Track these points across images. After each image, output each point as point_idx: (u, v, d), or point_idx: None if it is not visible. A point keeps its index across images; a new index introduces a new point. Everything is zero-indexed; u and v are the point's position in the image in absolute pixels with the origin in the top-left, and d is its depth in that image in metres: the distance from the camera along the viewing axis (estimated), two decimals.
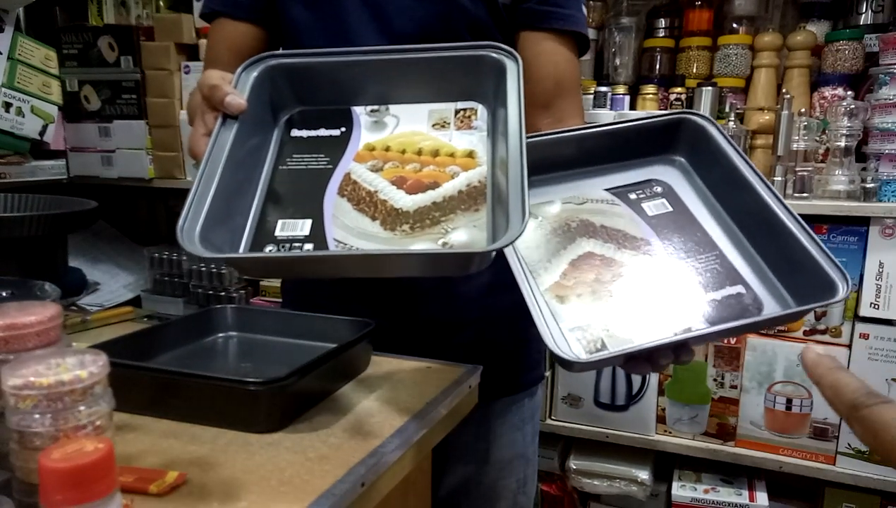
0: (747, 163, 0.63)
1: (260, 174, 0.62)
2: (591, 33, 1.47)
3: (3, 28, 1.48)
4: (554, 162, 0.69)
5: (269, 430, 0.59)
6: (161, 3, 1.67)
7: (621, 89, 1.48)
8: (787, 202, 0.60)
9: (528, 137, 0.66)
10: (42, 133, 1.58)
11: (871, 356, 1.22)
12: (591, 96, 1.43)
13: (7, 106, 1.48)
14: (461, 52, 0.65)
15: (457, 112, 0.65)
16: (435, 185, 0.59)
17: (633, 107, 1.48)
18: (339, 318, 0.77)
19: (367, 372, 0.74)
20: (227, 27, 0.85)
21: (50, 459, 0.35)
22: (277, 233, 0.57)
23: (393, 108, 0.66)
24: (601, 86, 1.46)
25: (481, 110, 0.65)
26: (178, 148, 1.57)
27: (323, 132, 0.65)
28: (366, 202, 0.59)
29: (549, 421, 1.46)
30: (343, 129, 0.65)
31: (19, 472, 0.40)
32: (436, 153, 0.62)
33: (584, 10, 0.83)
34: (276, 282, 1.55)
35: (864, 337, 1.22)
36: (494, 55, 0.64)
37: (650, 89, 1.47)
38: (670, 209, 0.65)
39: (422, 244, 0.55)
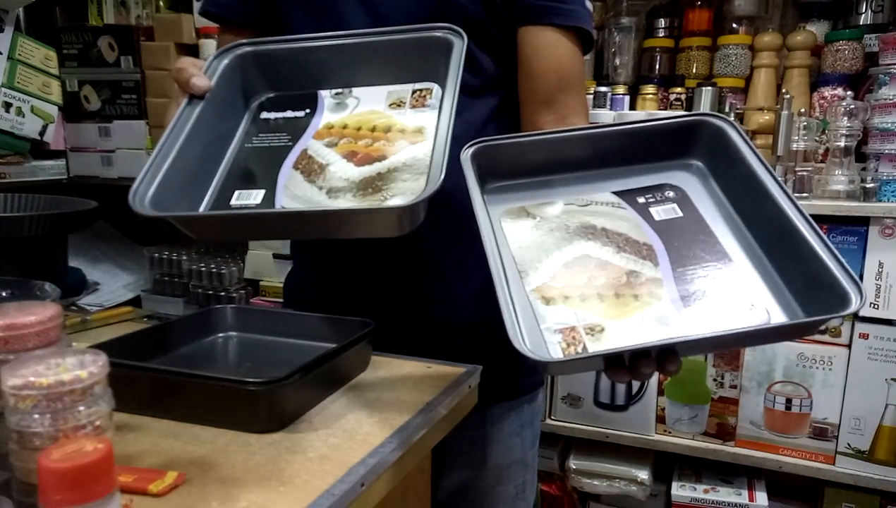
0: (766, 167, 0.59)
1: (227, 152, 0.67)
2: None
3: (3, 28, 1.48)
4: (563, 162, 0.66)
5: (268, 430, 0.59)
6: (161, 3, 1.67)
7: (621, 89, 1.48)
8: None
9: (535, 135, 0.67)
10: (42, 133, 1.58)
11: (871, 356, 1.22)
12: (591, 96, 1.43)
13: (7, 106, 1.48)
14: (412, 34, 0.69)
15: (413, 92, 0.69)
16: (382, 158, 0.63)
17: (632, 107, 1.48)
18: (339, 318, 0.77)
19: (366, 372, 0.74)
20: (227, 37, 0.85)
21: (49, 459, 0.35)
22: (233, 202, 0.62)
23: (356, 91, 0.70)
24: (601, 86, 1.46)
25: (436, 90, 0.68)
26: None
27: (289, 113, 0.70)
28: (316, 173, 0.63)
29: (548, 421, 1.46)
30: (307, 111, 0.69)
31: (19, 472, 0.40)
32: (388, 130, 0.66)
33: (590, 5, 0.81)
34: (277, 283, 1.55)
35: (864, 337, 1.22)
36: (440, 34, 0.67)
37: (650, 89, 1.47)
38: (680, 215, 0.62)
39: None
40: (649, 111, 1.42)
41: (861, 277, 1.21)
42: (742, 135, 0.63)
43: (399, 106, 0.68)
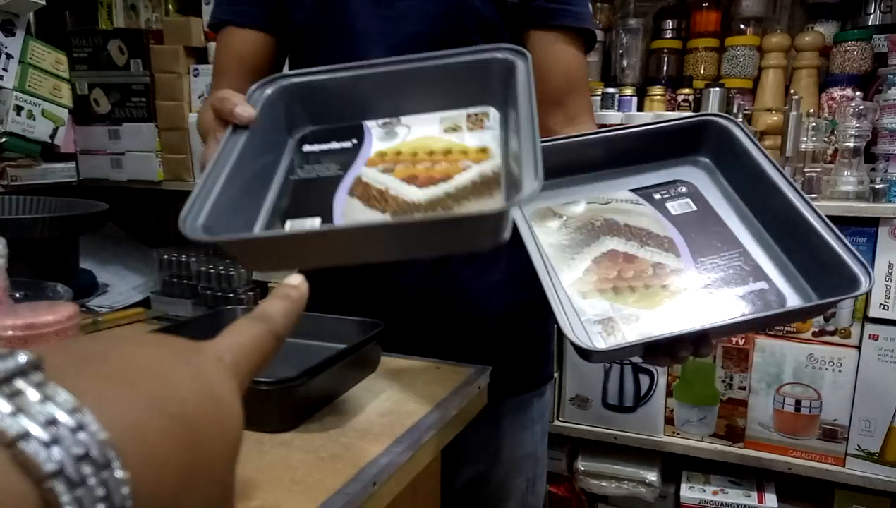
0: (770, 161, 0.63)
1: (270, 186, 0.61)
2: (599, 35, 1.47)
3: (15, 32, 1.49)
4: (580, 164, 0.70)
5: (280, 430, 0.59)
6: (170, 7, 1.68)
7: (629, 91, 1.48)
8: None
9: (553, 140, 0.69)
10: (52, 136, 1.60)
11: (881, 357, 1.22)
12: (599, 98, 1.43)
13: (18, 109, 1.49)
14: (469, 57, 0.64)
15: (469, 116, 0.64)
16: (447, 178, 0.57)
17: (640, 108, 1.48)
18: (349, 319, 0.77)
19: (376, 372, 0.74)
20: (235, 36, 0.84)
21: None
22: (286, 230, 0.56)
23: (404, 119, 0.65)
24: (608, 87, 1.46)
25: (493, 113, 0.64)
26: (187, 150, 1.58)
27: (335, 145, 0.64)
28: (376, 199, 0.58)
29: (556, 423, 1.46)
30: (355, 141, 0.64)
31: None
32: (448, 152, 0.61)
33: (590, 7, 0.85)
34: None
35: (874, 338, 1.22)
36: (501, 56, 0.62)
37: (657, 91, 1.47)
38: (694, 208, 0.66)
39: None
40: (657, 112, 1.42)
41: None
42: (746, 132, 0.67)
43: (455, 130, 0.63)
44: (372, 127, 0.66)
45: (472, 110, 0.64)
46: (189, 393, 0.22)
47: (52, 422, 0.17)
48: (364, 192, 0.59)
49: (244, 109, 0.60)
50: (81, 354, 0.21)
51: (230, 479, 0.24)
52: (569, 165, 0.69)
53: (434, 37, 0.78)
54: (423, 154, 0.61)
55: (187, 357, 0.24)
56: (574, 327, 0.57)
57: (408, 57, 0.64)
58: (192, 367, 0.24)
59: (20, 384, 0.18)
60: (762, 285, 0.59)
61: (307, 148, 0.65)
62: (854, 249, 0.56)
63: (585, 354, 0.55)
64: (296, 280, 0.34)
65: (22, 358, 0.18)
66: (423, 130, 0.64)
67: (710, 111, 1.36)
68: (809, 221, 0.59)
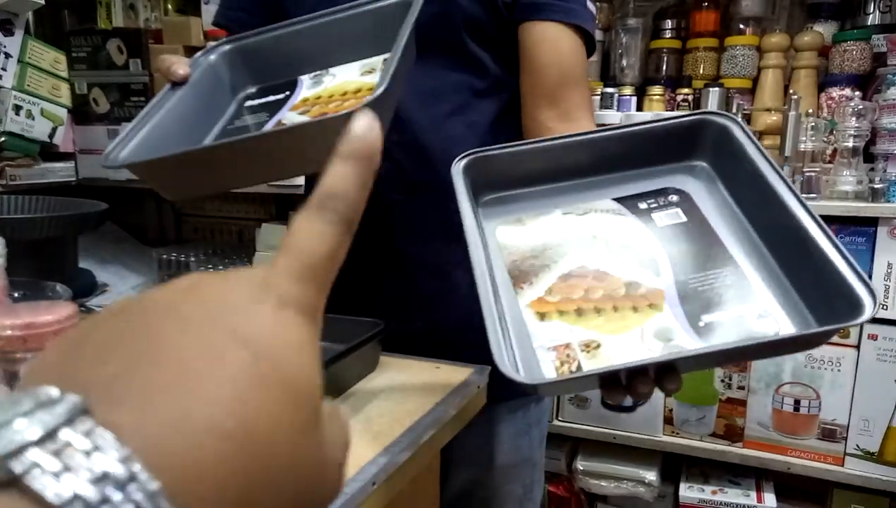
0: (774, 168, 0.56)
1: (208, 136, 0.69)
2: (598, 35, 1.47)
3: (13, 31, 1.49)
4: (560, 169, 0.63)
5: None
6: (169, 6, 1.68)
7: (628, 90, 1.48)
8: None
9: (531, 143, 0.66)
10: (51, 135, 1.60)
11: (880, 357, 1.22)
12: (598, 97, 1.43)
13: (17, 109, 1.49)
14: (371, 6, 0.72)
15: (384, 60, 0.70)
16: (351, 109, 0.64)
17: (639, 108, 1.48)
18: (349, 319, 0.77)
19: (375, 372, 0.74)
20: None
21: None
22: None
23: (332, 70, 0.74)
24: (608, 87, 1.47)
25: None
26: None
27: (271, 98, 0.73)
28: None
29: (556, 422, 1.46)
30: (287, 93, 0.73)
31: None
32: (358, 90, 0.68)
33: (593, 8, 0.81)
34: None
35: (873, 338, 1.22)
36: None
37: (657, 90, 1.47)
38: (684, 220, 0.58)
39: None
40: (656, 112, 1.42)
41: (870, 278, 1.20)
42: (747, 132, 0.59)
43: (370, 72, 0.70)
44: (304, 79, 0.74)
45: (388, 55, 0.70)
46: (248, 386, 0.19)
47: (100, 479, 0.16)
48: None
49: (178, 67, 0.67)
50: (125, 361, 0.19)
51: (309, 468, 0.20)
52: (548, 171, 0.63)
53: (423, 37, 0.78)
54: (337, 95, 0.69)
55: (242, 328, 0.20)
56: (520, 354, 0.49)
57: (321, 13, 0.72)
58: (251, 347, 0.20)
59: (67, 434, 0.16)
60: (754, 309, 0.51)
61: (248, 103, 0.74)
62: (860, 269, 0.48)
63: (529, 388, 0.47)
64: (363, 122, 0.23)
65: (68, 403, 0.17)
66: (344, 76, 0.72)
67: (707, 110, 1.35)
68: (812, 236, 0.51)
